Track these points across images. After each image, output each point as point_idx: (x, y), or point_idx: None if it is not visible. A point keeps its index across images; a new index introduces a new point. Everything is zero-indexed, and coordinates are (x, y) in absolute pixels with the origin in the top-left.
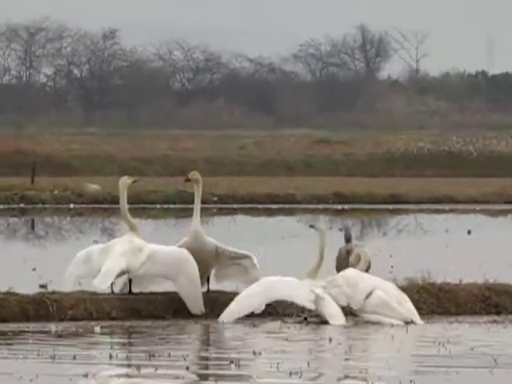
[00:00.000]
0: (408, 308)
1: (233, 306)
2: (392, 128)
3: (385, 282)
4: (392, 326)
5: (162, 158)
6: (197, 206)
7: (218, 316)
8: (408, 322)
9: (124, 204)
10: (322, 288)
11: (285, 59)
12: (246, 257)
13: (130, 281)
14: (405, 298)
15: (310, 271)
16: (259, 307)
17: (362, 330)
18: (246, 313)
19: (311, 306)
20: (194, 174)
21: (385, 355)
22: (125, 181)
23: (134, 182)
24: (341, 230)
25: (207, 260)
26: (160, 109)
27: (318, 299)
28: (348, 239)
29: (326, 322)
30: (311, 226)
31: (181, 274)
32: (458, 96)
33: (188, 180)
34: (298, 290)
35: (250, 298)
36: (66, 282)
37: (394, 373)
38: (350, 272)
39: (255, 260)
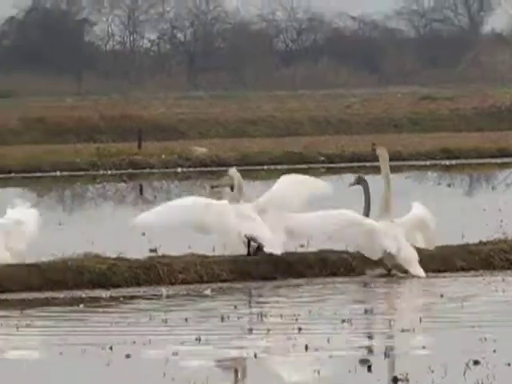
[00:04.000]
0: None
1: None
2: (498, 82)
3: None
4: None
5: (267, 119)
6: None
7: (329, 275)
8: None
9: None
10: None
11: (388, 16)
12: None
13: (249, 242)
14: None
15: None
16: None
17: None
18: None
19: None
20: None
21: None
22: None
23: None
24: (449, 185)
25: None
26: (264, 70)
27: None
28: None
29: (406, 271)
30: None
31: None
32: None
33: (374, 150)
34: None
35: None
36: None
37: None
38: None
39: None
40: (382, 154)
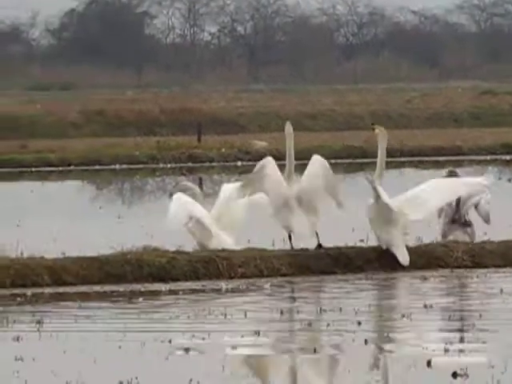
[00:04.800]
0: None
1: None
2: None
3: None
4: None
5: (327, 113)
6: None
7: (388, 270)
8: None
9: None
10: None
11: (449, 10)
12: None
13: (290, 237)
14: None
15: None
16: None
17: None
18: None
19: None
20: (380, 128)
21: None
22: (289, 129)
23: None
24: (509, 180)
25: None
26: (325, 64)
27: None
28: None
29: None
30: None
31: None
32: None
33: (373, 129)
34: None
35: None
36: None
37: None
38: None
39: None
40: (382, 134)
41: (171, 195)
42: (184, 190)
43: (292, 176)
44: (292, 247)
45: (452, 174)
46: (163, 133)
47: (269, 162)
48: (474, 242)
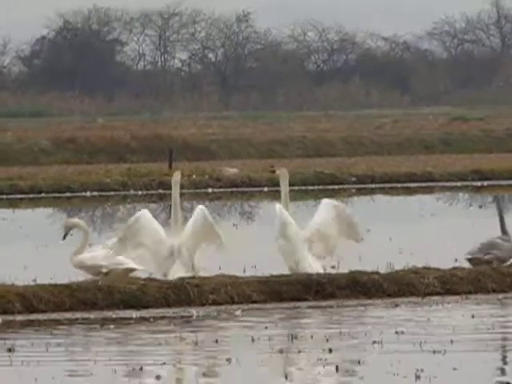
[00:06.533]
0: None
1: None
2: None
3: None
4: None
5: (299, 140)
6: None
7: (360, 297)
8: None
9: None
10: None
11: (420, 37)
12: None
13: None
14: None
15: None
16: None
17: None
18: None
19: None
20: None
21: None
22: (176, 177)
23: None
24: (480, 207)
25: None
26: (296, 90)
27: None
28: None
29: None
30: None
31: None
32: None
33: (273, 172)
34: None
35: None
36: None
37: None
38: None
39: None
40: (283, 174)
41: (64, 237)
42: (71, 228)
43: (178, 223)
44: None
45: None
46: (134, 159)
47: (143, 214)
48: None
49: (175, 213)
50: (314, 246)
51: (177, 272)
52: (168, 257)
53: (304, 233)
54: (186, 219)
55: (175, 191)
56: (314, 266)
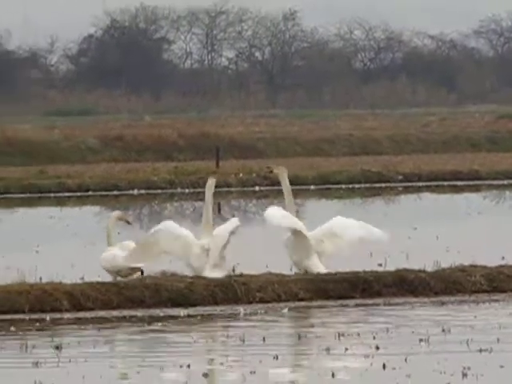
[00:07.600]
0: None
1: None
2: None
3: None
4: None
5: (345, 138)
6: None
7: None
8: None
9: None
10: None
11: (466, 35)
12: None
13: None
14: None
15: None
16: None
17: None
18: None
19: None
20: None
21: None
22: (211, 183)
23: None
24: None
25: None
26: (342, 89)
27: None
28: None
29: None
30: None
31: None
32: None
33: (271, 172)
34: None
35: None
36: None
37: None
38: None
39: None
40: (281, 172)
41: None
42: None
43: (209, 225)
44: None
45: None
46: (181, 158)
47: (166, 226)
48: None
49: (207, 215)
50: (323, 245)
51: (211, 272)
52: (200, 254)
53: (315, 232)
54: (233, 216)
55: (208, 195)
56: (318, 265)
